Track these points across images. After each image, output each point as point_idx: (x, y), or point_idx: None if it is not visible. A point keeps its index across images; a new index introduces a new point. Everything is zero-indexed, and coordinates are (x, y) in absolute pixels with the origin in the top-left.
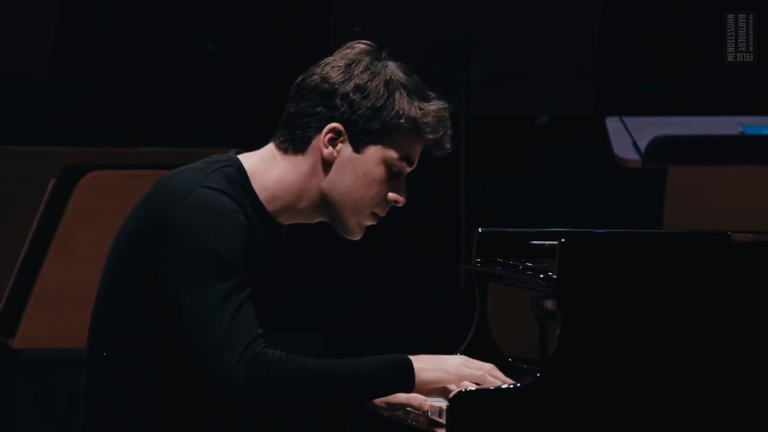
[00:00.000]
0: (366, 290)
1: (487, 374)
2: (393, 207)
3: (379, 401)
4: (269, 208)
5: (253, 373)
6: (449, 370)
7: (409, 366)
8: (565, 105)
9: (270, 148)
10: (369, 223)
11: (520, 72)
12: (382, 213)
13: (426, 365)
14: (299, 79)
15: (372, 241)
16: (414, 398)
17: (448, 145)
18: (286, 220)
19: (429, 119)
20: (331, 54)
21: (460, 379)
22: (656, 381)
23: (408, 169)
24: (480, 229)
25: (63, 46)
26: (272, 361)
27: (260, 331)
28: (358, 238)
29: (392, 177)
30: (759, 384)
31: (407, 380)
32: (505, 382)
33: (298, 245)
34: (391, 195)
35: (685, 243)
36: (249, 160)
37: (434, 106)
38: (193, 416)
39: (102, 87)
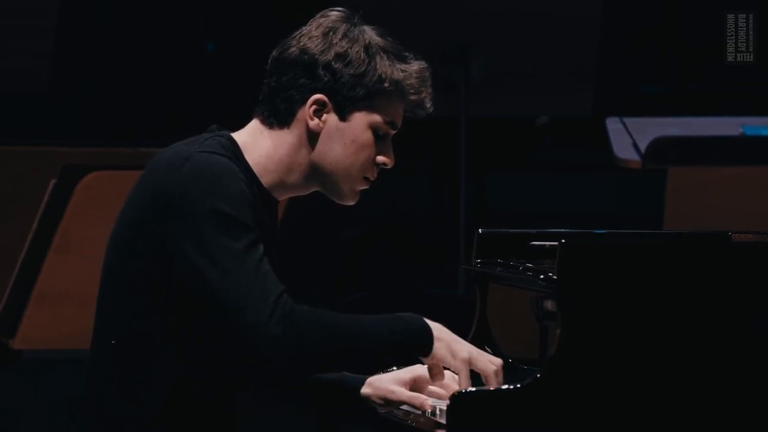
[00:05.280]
0: (366, 289)
1: (493, 379)
2: (397, 204)
3: (377, 400)
4: (263, 182)
5: (289, 328)
6: (457, 356)
7: (430, 334)
8: (565, 105)
9: (255, 123)
10: (362, 187)
11: (520, 72)
12: (372, 177)
13: (442, 337)
14: (276, 52)
15: (373, 240)
16: (415, 398)
17: (429, 105)
18: (280, 195)
19: (412, 80)
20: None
21: (458, 371)
22: (656, 381)
23: (393, 133)
24: (480, 230)
25: (63, 46)
26: (305, 315)
27: (283, 286)
28: (353, 203)
29: (378, 140)
30: (759, 384)
31: (427, 347)
32: (498, 384)
33: (297, 245)
34: (380, 158)
35: (685, 243)
36: (239, 136)
37: (415, 66)
38: (197, 408)
39: (102, 87)
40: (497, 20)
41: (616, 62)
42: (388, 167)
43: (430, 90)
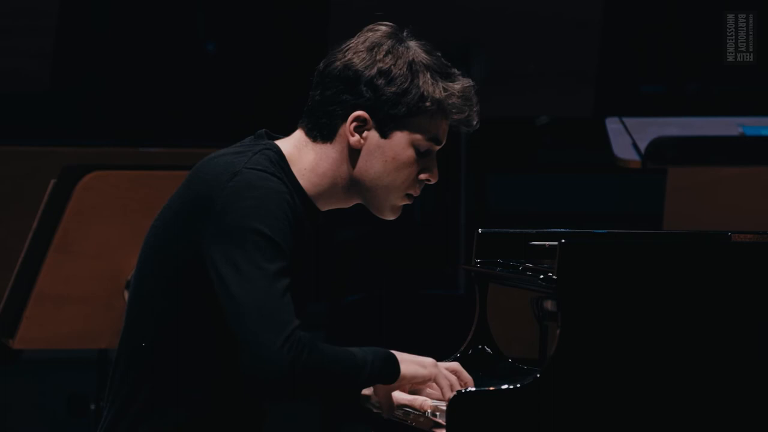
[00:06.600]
0: (366, 290)
1: (454, 384)
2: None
3: (378, 402)
4: (308, 193)
5: (296, 359)
6: (425, 365)
7: (395, 358)
8: (565, 105)
9: (300, 134)
10: (403, 203)
11: (520, 72)
12: (416, 193)
13: (404, 358)
14: (322, 65)
15: (373, 240)
16: (414, 399)
17: (475, 122)
18: (323, 206)
19: (454, 100)
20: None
21: (434, 377)
22: (656, 381)
23: (437, 148)
24: (480, 230)
25: (63, 46)
26: (309, 347)
27: (299, 320)
28: (393, 218)
29: (421, 156)
30: (759, 384)
31: (395, 372)
32: (467, 386)
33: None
34: (423, 175)
35: (685, 243)
36: (284, 146)
37: (459, 85)
38: (226, 411)
39: (102, 87)
40: (498, 21)
41: (616, 62)
42: (432, 183)
43: (475, 108)
